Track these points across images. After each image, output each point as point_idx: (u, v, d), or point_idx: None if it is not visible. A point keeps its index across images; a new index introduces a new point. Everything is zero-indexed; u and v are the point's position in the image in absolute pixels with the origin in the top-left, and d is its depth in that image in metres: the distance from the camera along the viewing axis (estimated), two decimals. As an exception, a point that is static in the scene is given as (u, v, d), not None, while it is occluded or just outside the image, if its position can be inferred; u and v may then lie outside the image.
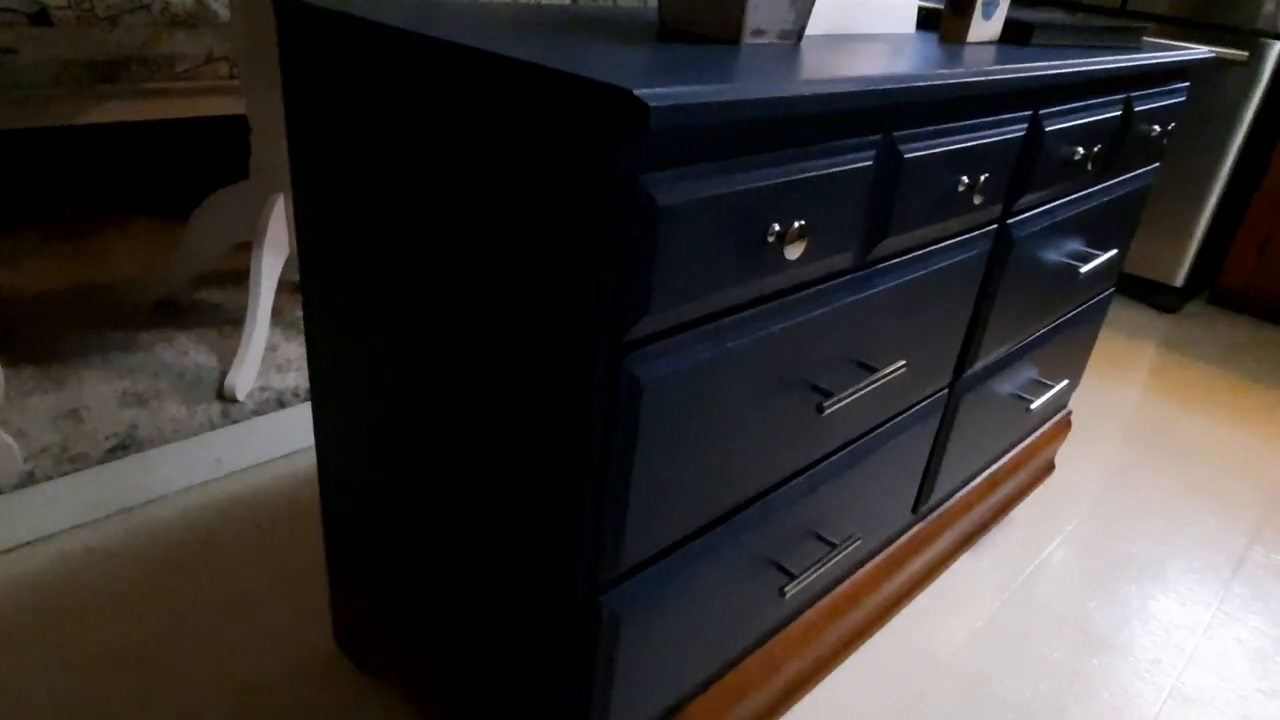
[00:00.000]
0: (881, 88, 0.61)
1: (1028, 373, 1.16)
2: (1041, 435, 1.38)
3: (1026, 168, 0.89)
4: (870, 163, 0.66)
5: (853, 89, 0.58)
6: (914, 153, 0.70)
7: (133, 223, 2.07)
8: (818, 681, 1.04)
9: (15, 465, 1.19)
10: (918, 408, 0.95)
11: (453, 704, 0.83)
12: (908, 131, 0.70)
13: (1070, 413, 1.46)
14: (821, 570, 0.82)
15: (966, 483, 1.21)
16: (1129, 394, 1.87)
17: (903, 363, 0.79)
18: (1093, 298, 1.29)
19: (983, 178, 0.77)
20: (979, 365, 1.02)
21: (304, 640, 1.03)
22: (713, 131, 0.53)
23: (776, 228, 0.58)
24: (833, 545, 0.87)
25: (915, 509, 1.08)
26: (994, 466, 1.27)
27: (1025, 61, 0.80)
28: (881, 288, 0.75)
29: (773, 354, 0.66)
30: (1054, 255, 1.04)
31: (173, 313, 1.67)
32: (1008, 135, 0.82)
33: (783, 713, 0.99)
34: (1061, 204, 1.02)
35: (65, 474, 1.22)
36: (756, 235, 0.58)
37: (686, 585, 0.70)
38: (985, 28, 0.96)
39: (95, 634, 1.01)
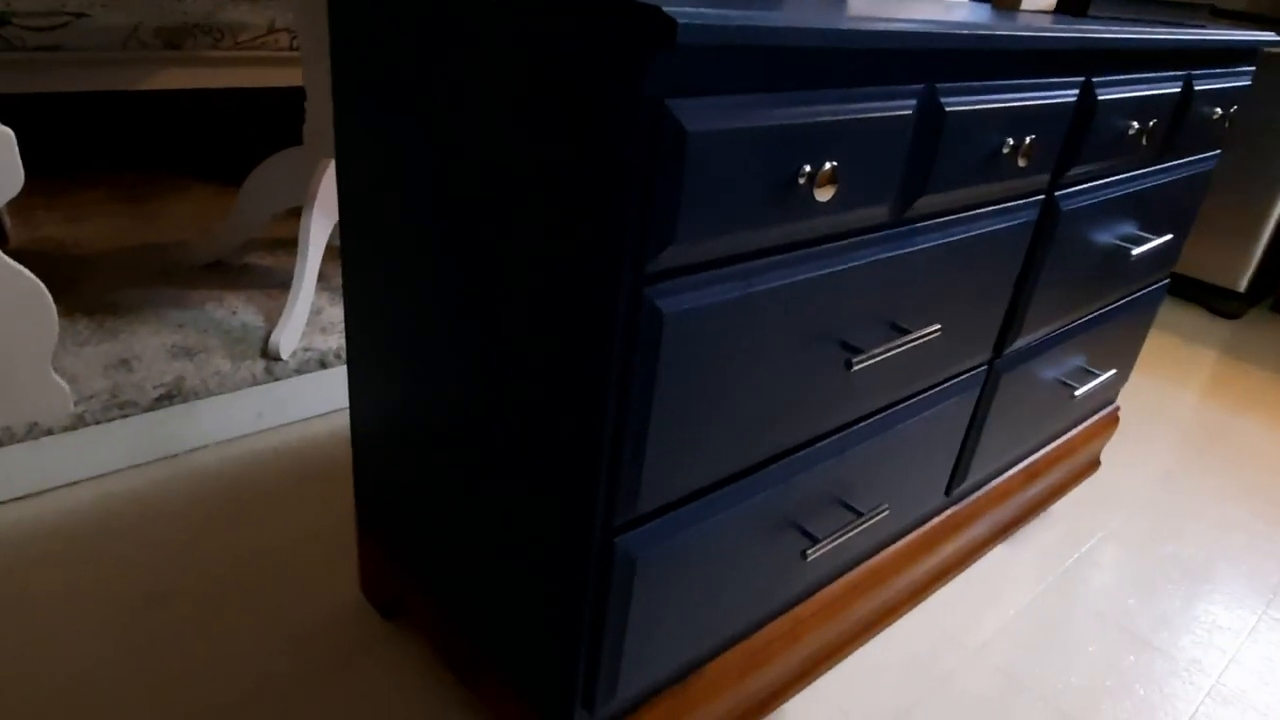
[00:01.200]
0: (924, 31, 0.59)
1: (1073, 359, 1.13)
2: (1087, 429, 1.34)
3: (1077, 137, 0.87)
4: (910, 112, 0.65)
5: (892, 29, 0.57)
6: (957, 107, 0.68)
7: (192, 187, 2.12)
8: (841, 657, 1.02)
9: (66, 408, 1.23)
10: (954, 382, 0.93)
11: (471, 647, 0.84)
12: (952, 85, 0.68)
13: (1118, 408, 1.42)
14: (845, 538, 0.81)
15: (1004, 470, 1.18)
16: (1183, 396, 1.81)
17: (937, 327, 0.77)
18: (1145, 287, 1.25)
19: (1028, 139, 0.75)
20: (1020, 343, 0.99)
21: (332, 588, 1.05)
22: (747, 62, 0.53)
23: (808, 168, 0.58)
24: (859, 514, 0.86)
25: (949, 491, 1.06)
26: (1034, 456, 1.24)
27: (1079, 28, 0.78)
28: (918, 247, 0.73)
29: (802, 303, 0.65)
30: (1104, 235, 1.01)
31: (224, 273, 1.71)
32: (1057, 100, 0.80)
33: (805, 684, 0.98)
34: (1114, 181, 0.99)
35: (113, 419, 1.25)
36: (787, 174, 0.57)
37: (706, 537, 0.70)
38: (1041, -3, 0.94)
39: (132, 571, 1.04)
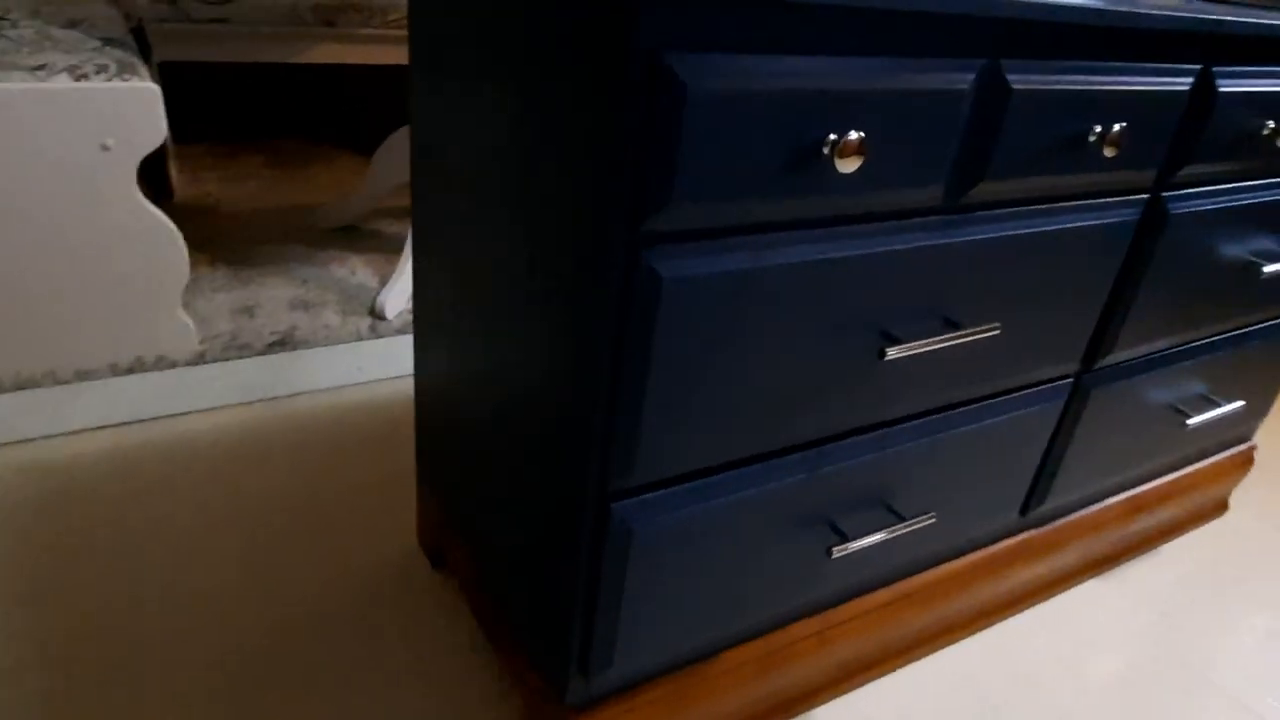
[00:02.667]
0: (976, -2, 0.55)
1: (1189, 384, 1.02)
2: (1211, 466, 1.21)
3: (1190, 132, 0.78)
4: (966, 87, 0.60)
5: (935, -7, 0.53)
6: (1026, 85, 0.63)
7: (338, 156, 2.28)
8: (885, 671, 0.97)
9: (190, 345, 1.35)
10: (1028, 392, 0.86)
11: (493, 600, 0.86)
12: (1021, 61, 0.63)
13: (1254, 447, 1.27)
14: (878, 541, 0.77)
15: (1099, 498, 1.08)
16: (1350, 447, 1.59)
17: (996, 326, 0.71)
18: (1295, 313, 1.11)
19: (1116, 128, 0.69)
20: (1116, 358, 0.91)
21: (393, 534, 1.10)
22: (761, 20, 0.51)
23: (832, 138, 0.55)
24: (900, 518, 0.81)
25: (1024, 511, 0.98)
26: (1139, 487, 1.13)
27: (1195, 7, 0.70)
28: (976, 237, 0.68)
29: (828, 284, 0.62)
30: (1230, 247, 0.91)
31: (352, 236, 1.82)
32: (1163, 88, 0.72)
33: (838, 692, 0.94)
34: (1244, 187, 0.89)
35: (230, 359, 1.36)
36: (804, 142, 0.54)
37: (716, 518, 0.68)
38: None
39: (226, 493, 1.13)
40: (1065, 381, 0.89)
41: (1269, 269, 0.93)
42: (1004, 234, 0.70)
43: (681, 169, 0.51)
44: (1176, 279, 0.88)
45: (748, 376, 0.62)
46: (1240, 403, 1.08)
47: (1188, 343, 0.99)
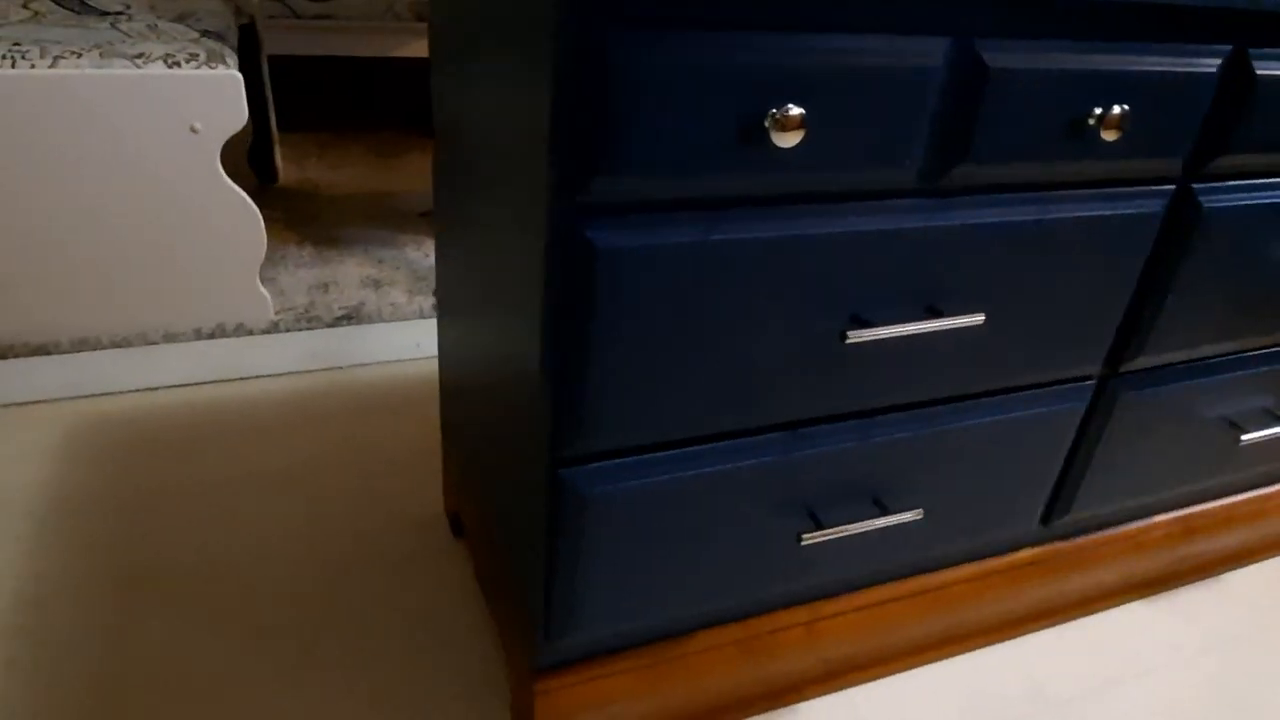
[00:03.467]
0: (932, -29, 0.54)
1: (1245, 398, 0.94)
2: (1288, 491, 1.12)
3: (1223, 119, 0.73)
4: (933, 64, 0.59)
5: (881, -34, 0.52)
6: (1004, 63, 0.61)
7: (430, 146, 2.38)
8: (884, 673, 0.95)
9: (266, 315, 1.45)
10: (1042, 392, 0.82)
11: (489, 563, 0.89)
12: (998, 40, 0.61)
13: (1345, 475, 1.16)
14: (857, 531, 0.75)
15: (1143, 514, 1.02)
16: None
17: (980, 316, 0.69)
18: (1384, 327, 1.01)
19: (1117, 110, 0.65)
20: (1149, 361, 0.85)
21: (422, 500, 1.15)
22: (695, -4, 0.52)
23: (774, 113, 0.55)
24: (885, 511, 0.79)
25: (1046, 520, 0.94)
26: (1192, 507, 1.05)
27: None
28: (961, 222, 0.66)
29: (785, 263, 0.61)
30: (1287, 247, 0.83)
31: (432, 222, 1.91)
32: (1181, 69, 0.67)
33: (831, 688, 0.92)
34: (1302, 182, 0.81)
35: (301, 330, 1.46)
36: (743, 117, 0.55)
37: (679, 491, 0.68)
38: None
39: (288, 450, 1.22)
40: (1087, 383, 0.84)
41: (1334, 273, 0.85)
42: (990, 220, 0.67)
43: (612, 143, 0.53)
44: (1217, 280, 0.82)
45: (703, 353, 0.63)
46: (1311, 421, 0.99)
47: (1240, 351, 0.91)
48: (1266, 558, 1.18)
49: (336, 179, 2.10)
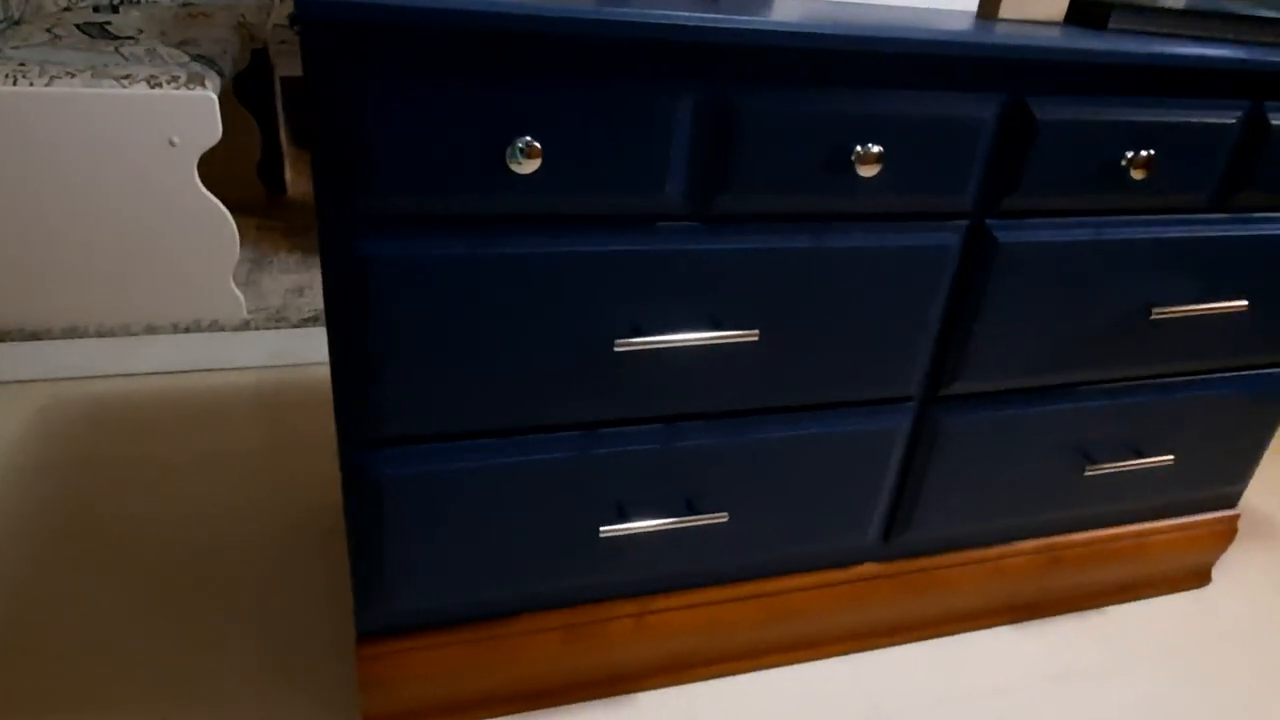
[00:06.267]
0: (688, 24, 0.61)
1: (1095, 429, 0.97)
2: (1179, 529, 1.12)
3: (1011, 159, 0.77)
4: (689, 106, 0.65)
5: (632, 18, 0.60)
6: (757, 108, 0.67)
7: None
8: (724, 671, 1.00)
9: (239, 314, 1.58)
10: (855, 409, 0.87)
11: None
12: (748, 86, 0.67)
13: (1237, 517, 1.16)
14: (656, 527, 0.81)
15: (1000, 538, 1.04)
16: None
17: (755, 333, 0.75)
18: (1253, 368, 1.02)
19: (873, 148, 0.70)
20: (968, 388, 0.89)
21: (342, 487, 1.25)
22: (442, 42, 0.60)
23: (519, 144, 0.62)
24: (694, 512, 0.85)
25: (886, 537, 0.98)
26: (1059, 536, 1.07)
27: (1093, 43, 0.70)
28: (726, 246, 0.72)
29: (555, 278, 0.69)
30: (1126, 286, 0.87)
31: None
32: (949, 112, 0.73)
33: (666, 683, 0.98)
34: (1093, 222, 0.85)
35: (270, 329, 1.59)
36: (487, 145, 0.62)
37: (476, 478, 0.76)
38: (1040, 3, 0.84)
39: (247, 435, 1.34)
40: (905, 404, 0.89)
41: (1158, 313, 0.88)
42: (751, 246, 0.73)
43: (373, 162, 0.61)
44: (1022, 313, 0.85)
45: (481, 356, 0.71)
46: (1167, 458, 1.00)
47: (1086, 383, 0.94)
48: (1153, 595, 1.19)
49: (344, 193, 2.24)
